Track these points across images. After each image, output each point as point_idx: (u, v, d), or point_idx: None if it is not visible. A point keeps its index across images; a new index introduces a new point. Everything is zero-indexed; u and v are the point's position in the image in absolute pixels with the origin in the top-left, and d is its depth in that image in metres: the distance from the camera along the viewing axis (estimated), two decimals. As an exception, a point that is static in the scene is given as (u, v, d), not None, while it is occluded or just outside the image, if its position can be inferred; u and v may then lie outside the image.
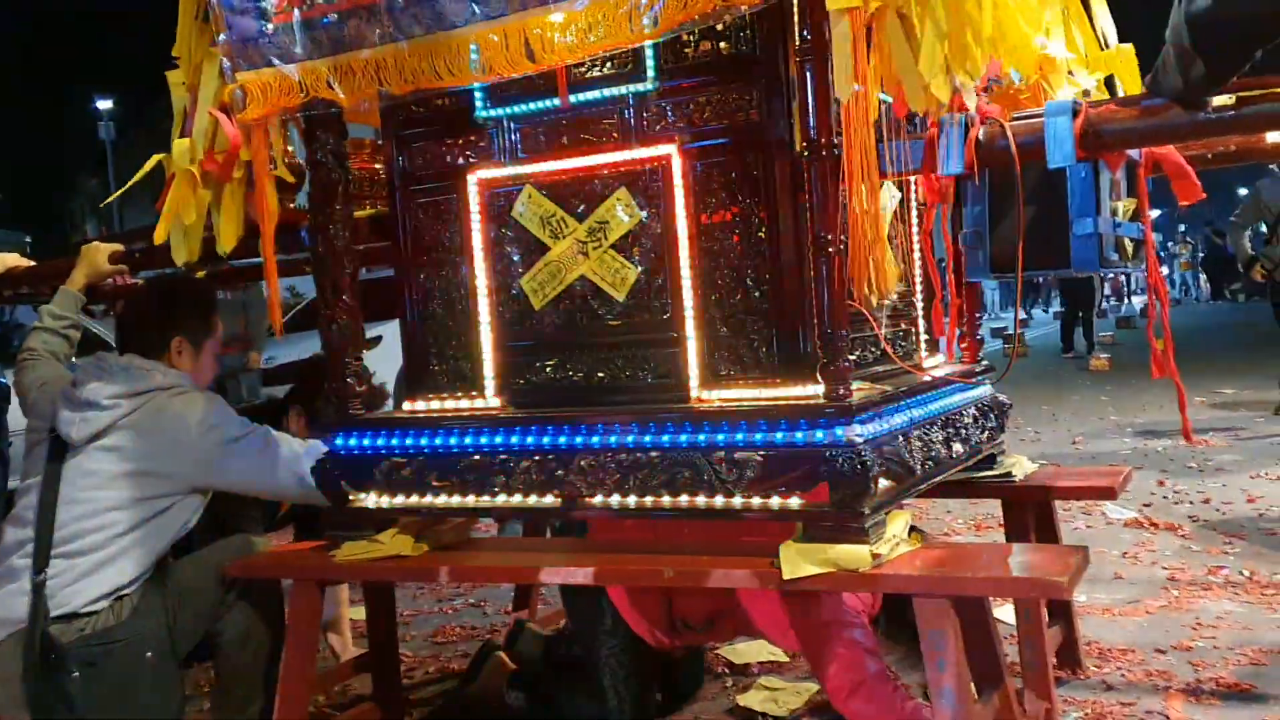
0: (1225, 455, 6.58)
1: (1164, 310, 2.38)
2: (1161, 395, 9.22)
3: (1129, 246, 2.37)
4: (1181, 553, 4.44)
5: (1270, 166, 7.00)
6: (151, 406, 2.68)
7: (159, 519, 2.67)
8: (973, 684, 2.16)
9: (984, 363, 3.05)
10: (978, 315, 3.12)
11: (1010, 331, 15.86)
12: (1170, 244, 35.04)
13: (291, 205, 3.06)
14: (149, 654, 2.60)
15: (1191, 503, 5.35)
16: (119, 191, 3.28)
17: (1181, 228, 36.91)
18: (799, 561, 2.09)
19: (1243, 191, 9.89)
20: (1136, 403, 9.31)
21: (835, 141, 2.09)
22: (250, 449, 2.73)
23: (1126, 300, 27.17)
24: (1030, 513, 3.04)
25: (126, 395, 2.67)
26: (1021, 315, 18.90)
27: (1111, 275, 16.19)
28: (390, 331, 3.16)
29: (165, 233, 2.90)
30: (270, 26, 2.42)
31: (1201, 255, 30.98)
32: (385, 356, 5.28)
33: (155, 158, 2.89)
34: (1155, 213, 2.47)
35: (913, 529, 2.43)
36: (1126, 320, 20.80)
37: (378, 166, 3.11)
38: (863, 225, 2.01)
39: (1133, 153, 2.26)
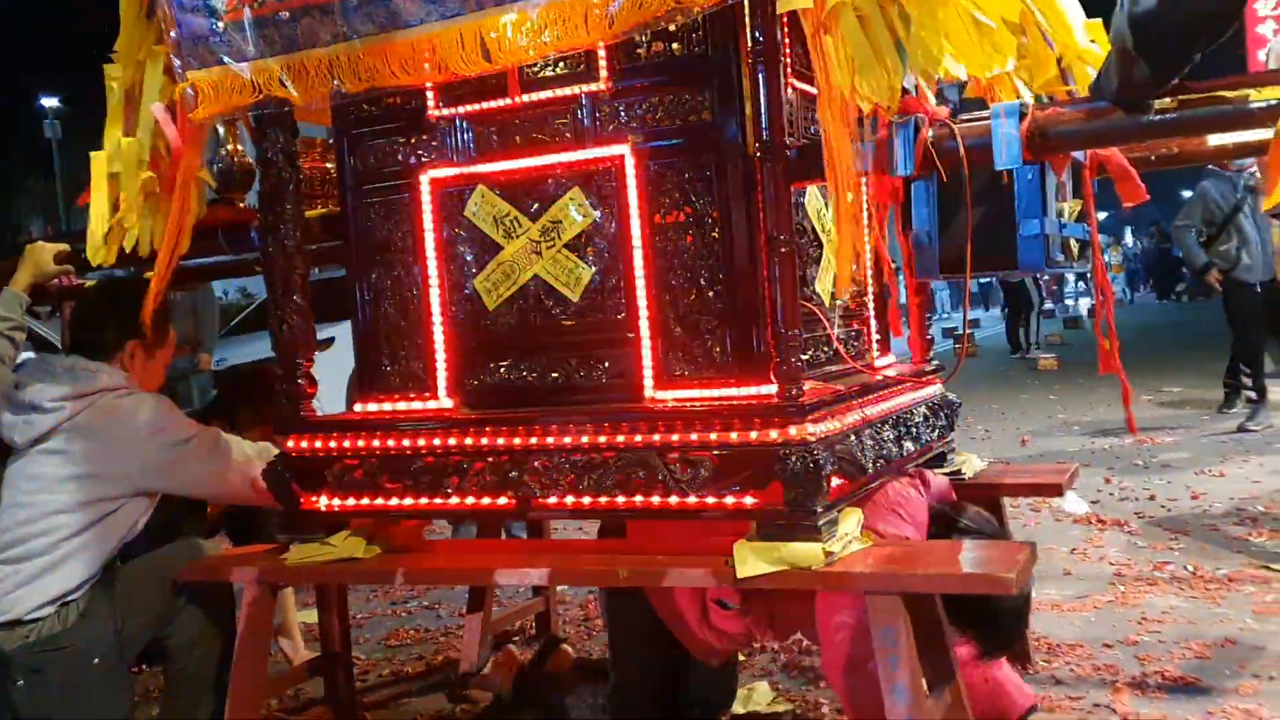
0: (1170, 453, 6.69)
1: (1109, 309, 2.42)
2: (1109, 394, 9.37)
3: (1075, 247, 2.40)
4: (1128, 549, 4.51)
5: (1210, 166, 7.10)
6: (97, 409, 2.65)
7: (105, 522, 2.63)
8: (924, 680, 2.18)
9: (934, 362, 3.09)
10: (929, 315, 3.15)
11: (960, 331, 16.05)
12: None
13: (241, 204, 3.03)
14: (96, 660, 2.57)
15: (1138, 499, 5.44)
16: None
17: (1129, 230, 37.40)
18: (753, 560, 2.10)
19: (1186, 194, 10.01)
20: (1084, 401, 9.44)
21: (789, 141, 2.11)
22: (199, 451, 2.70)
23: (1061, 301, 27.48)
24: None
25: (71, 397, 2.64)
26: (973, 315, 19.05)
27: (1048, 276, 16.38)
28: (343, 333, 3.13)
29: (102, 228, 2.85)
30: (221, 25, 2.39)
31: (1142, 255, 31.34)
32: (338, 358, 5.25)
33: (98, 155, 2.83)
34: (1101, 215, 2.51)
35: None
36: (1074, 320, 21.08)
37: (329, 165, 3.08)
38: (842, 221, 2.03)
39: (1078, 155, 2.30)
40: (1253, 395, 7.47)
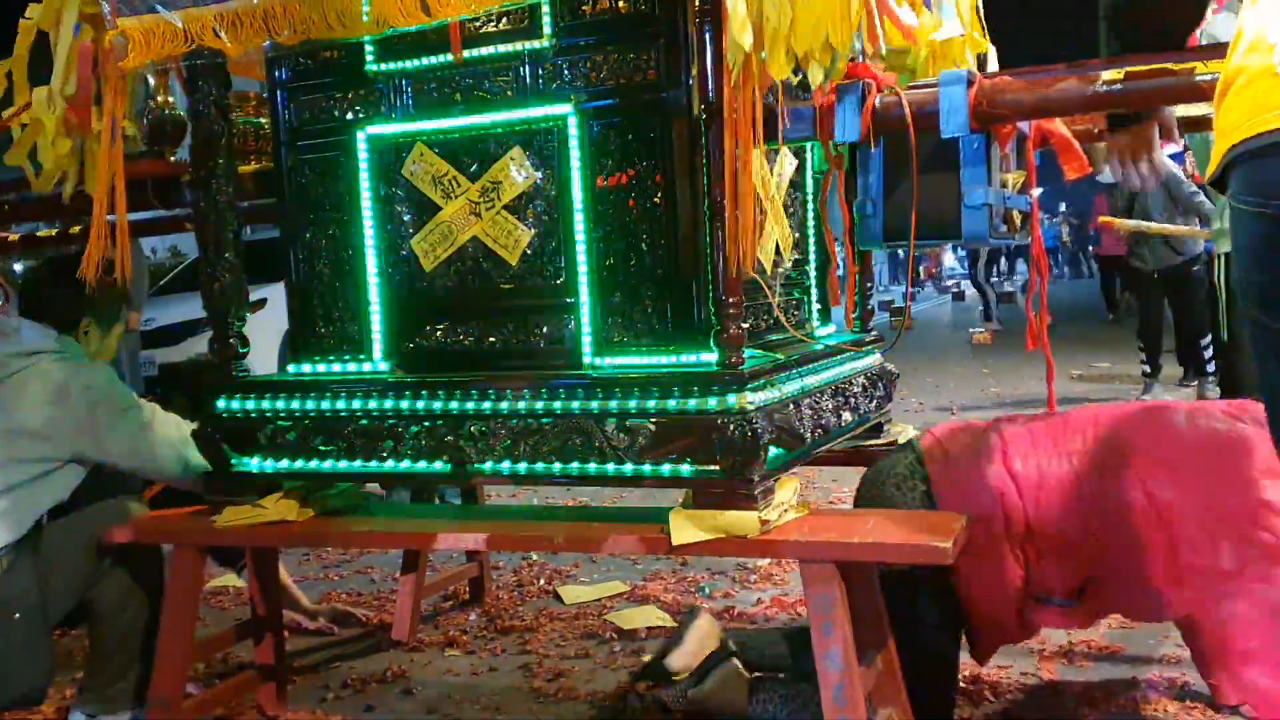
0: (1099, 427, 6.80)
1: (1043, 284, 2.43)
2: (1039, 368, 9.47)
3: (1017, 219, 2.41)
4: (1057, 520, 4.58)
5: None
6: (39, 369, 2.62)
7: (33, 485, 2.58)
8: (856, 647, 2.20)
9: (874, 332, 3.09)
10: (868, 286, 3.15)
11: (896, 305, 16.23)
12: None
13: (172, 158, 2.95)
14: (17, 615, 2.52)
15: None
16: None
17: (1062, 206, 37.68)
18: (688, 527, 2.10)
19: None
20: (1016, 375, 9.58)
21: (734, 106, 2.08)
22: (135, 423, 2.67)
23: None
24: (915, 480, 3.08)
25: (15, 355, 2.61)
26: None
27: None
28: (275, 294, 3.06)
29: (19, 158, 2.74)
30: (153, -30, 2.32)
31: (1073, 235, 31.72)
32: (270, 320, 5.18)
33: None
34: (1037, 191, 2.53)
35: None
36: (1008, 296, 21.36)
37: (263, 120, 3.01)
38: (737, 194, 2.00)
39: (1022, 126, 2.30)
40: (1146, 370, 7.69)
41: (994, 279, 18.40)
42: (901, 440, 3.04)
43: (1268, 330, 1.50)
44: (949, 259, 28.07)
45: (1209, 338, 7.23)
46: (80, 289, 2.77)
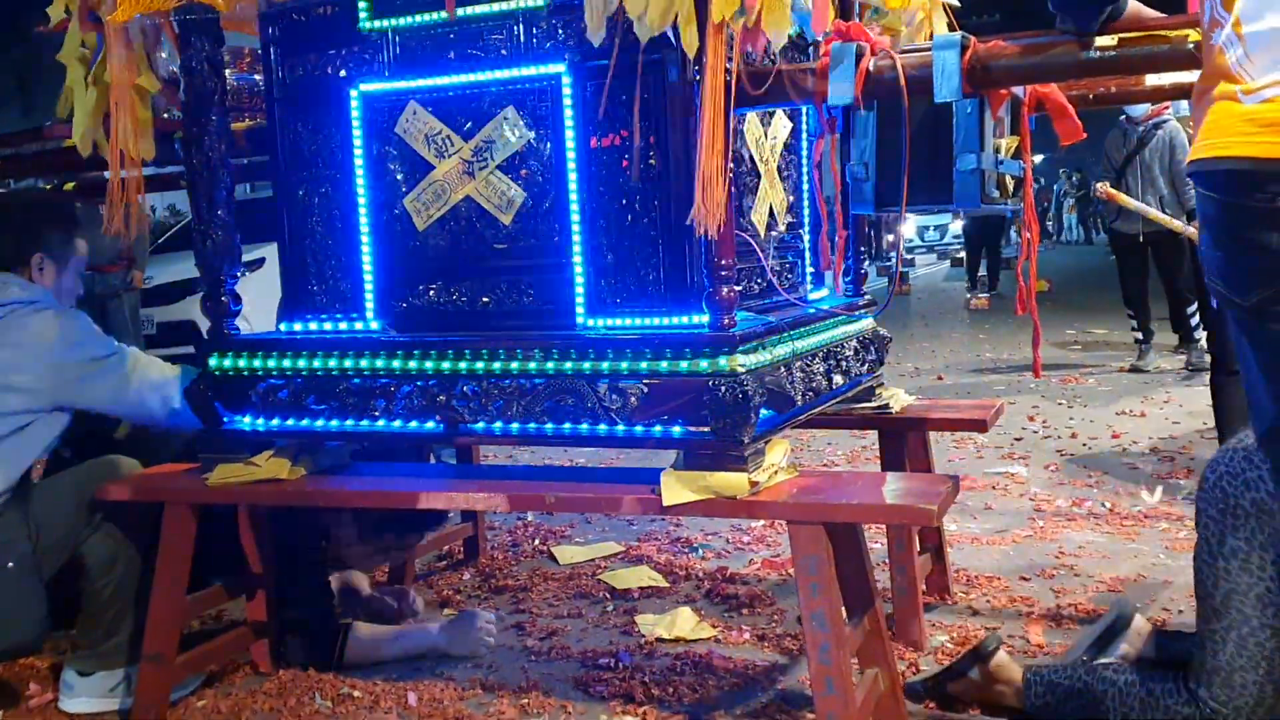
0: (1093, 392, 6.83)
1: (1034, 250, 2.43)
2: (1036, 334, 9.50)
3: (1009, 184, 2.41)
4: (1048, 485, 4.61)
5: (1120, 117, 7.18)
6: (10, 320, 2.59)
7: (18, 436, 2.58)
8: (844, 608, 2.22)
9: (867, 296, 3.09)
10: (862, 249, 3.15)
11: (893, 269, 16.19)
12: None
13: (165, 115, 2.93)
14: (10, 564, 2.54)
15: (1059, 437, 5.55)
16: None
17: (1061, 173, 37.38)
18: (678, 488, 2.12)
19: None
20: (1012, 341, 9.59)
21: (730, 66, 2.08)
22: (115, 369, 2.66)
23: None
24: (905, 444, 3.10)
25: None
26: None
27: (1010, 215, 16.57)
28: (274, 254, 3.05)
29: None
30: (140, -78, 2.30)
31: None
32: (270, 279, 5.16)
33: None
34: (1039, 157, 2.51)
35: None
36: (1006, 262, 21.33)
37: (257, 77, 2.99)
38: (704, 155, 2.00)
39: (1017, 90, 2.29)
40: (1139, 336, 7.70)
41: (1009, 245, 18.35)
42: (893, 404, 3.06)
43: (1231, 303, 1.59)
44: (908, 229, 27.57)
45: (1196, 304, 7.23)
46: (24, 225, 2.76)
